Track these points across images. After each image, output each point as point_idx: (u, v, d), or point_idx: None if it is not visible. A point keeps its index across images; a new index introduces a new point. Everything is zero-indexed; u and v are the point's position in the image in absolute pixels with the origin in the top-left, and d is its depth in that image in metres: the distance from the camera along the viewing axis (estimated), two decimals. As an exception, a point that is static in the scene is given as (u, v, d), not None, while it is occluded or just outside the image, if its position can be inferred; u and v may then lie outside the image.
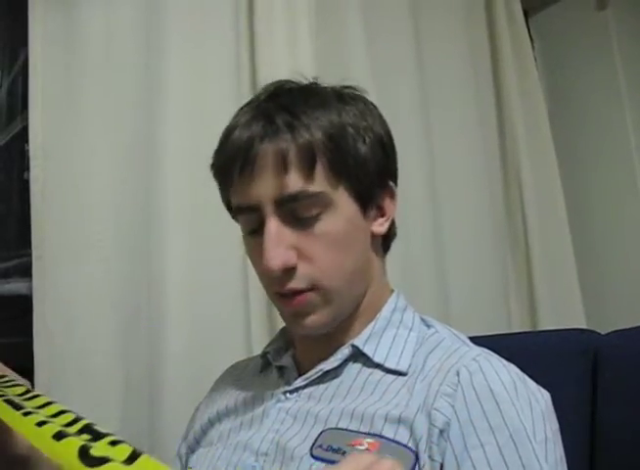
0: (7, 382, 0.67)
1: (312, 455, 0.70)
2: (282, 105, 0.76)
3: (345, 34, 1.50)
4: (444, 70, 1.69)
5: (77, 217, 1.26)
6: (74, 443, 0.48)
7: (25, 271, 1.25)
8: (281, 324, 0.87)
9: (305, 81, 0.81)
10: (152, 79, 1.31)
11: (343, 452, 0.68)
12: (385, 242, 0.84)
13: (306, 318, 0.76)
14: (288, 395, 0.78)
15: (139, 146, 1.30)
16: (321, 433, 0.71)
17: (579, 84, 1.85)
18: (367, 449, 0.67)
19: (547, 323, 1.65)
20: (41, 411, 0.56)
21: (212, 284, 1.27)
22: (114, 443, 0.49)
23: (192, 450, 0.87)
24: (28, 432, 0.54)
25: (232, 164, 0.75)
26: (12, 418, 0.58)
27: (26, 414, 0.56)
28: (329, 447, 0.69)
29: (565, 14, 1.91)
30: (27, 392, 0.63)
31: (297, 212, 0.73)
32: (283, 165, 0.72)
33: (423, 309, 0.85)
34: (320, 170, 0.73)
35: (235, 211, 0.78)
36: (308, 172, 0.72)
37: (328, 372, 0.77)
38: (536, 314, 1.68)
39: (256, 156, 0.73)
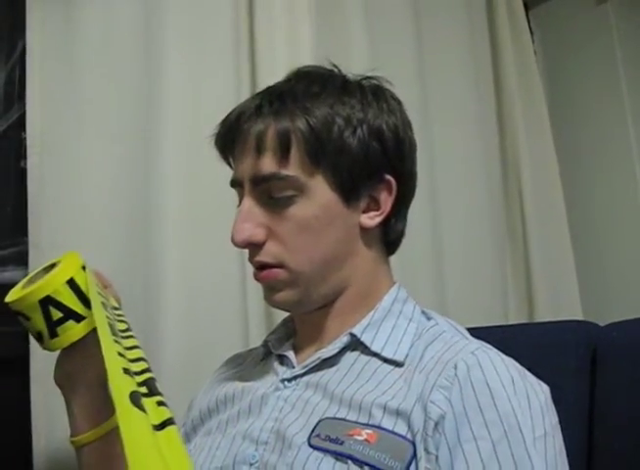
0: (119, 316, 0.77)
1: (310, 445, 0.70)
2: (282, 90, 0.79)
3: (346, 34, 1.50)
4: (444, 65, 1.69)
5: (74, 206, 1.25)
6: (131, 383, 0.56)
7: (22, 260, 1.24)
8: (277, 315, 0.87)
9: (330, 67, 0.84)
10: (151, 69, 1.30)
11: (342, 442, 0.68)
12: (388, 241, 0.83)
13: (275, 294, 0.79)
14: (286, 383, 0.79)
15: (137, 134, 1.29)
16: (319, 422, 0.71)
17: (579, 77, 1.85)
18: (366, 440, 0.67)
19: (544, 315, 1.65)
20: (127, 353, 0.64)
21: (210, 275, 1.27)
22: (160, 403, 0.57)
23: (188, 439, 0.87)
24: (110, 357, 0.59)
25: (222, 139, 0.82)
26: (106, 345, 0.63)
27: (116, 342, 0.64)
28: (327, 437, 0.69)
29: (565, 7, 1.91)
30: (127, 330, 0.73)
31: (271, 193, 0.76)
32: (260, 147, 0.75)
33: (420, 300, 0.85)
34: (295, 156, 0.75)
35: (230, 184, 0.83)
36: (282, 156, 0.75)
37: (326, 360, 0.78)
38: (533, 306, 1.68)
39: (241, 134, 0.78)
